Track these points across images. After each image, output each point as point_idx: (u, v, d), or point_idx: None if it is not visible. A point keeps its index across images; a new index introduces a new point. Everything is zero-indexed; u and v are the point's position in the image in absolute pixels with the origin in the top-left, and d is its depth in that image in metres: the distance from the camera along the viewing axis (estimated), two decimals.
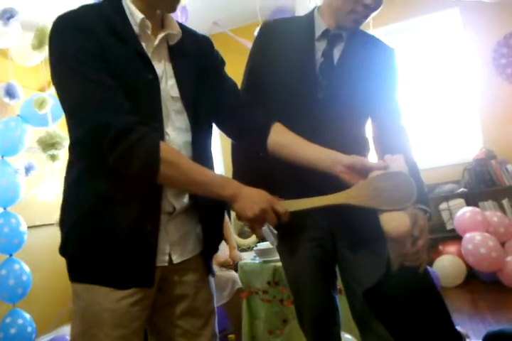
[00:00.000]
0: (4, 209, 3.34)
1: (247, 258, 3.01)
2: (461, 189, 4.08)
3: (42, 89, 4.41)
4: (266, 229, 1.15)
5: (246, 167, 1.61)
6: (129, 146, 1.06)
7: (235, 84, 1.41)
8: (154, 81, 1.15)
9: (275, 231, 1.16)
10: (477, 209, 3.82)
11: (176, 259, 1.24)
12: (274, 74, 1.52)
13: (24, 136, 3.59)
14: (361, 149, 1.56)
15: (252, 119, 1.34)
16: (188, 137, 1.22)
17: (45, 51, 2.94)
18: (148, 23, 1.16)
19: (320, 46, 1.51)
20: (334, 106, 1.47)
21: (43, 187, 4.35)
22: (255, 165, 1.55)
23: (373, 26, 3.79)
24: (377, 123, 1.57)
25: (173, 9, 1.19)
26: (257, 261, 2.67)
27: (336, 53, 1.51)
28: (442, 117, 4.40)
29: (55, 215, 4.23)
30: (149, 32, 1.17)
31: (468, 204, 4.00)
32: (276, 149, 1.32)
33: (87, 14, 1.12)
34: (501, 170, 3.92)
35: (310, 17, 1.55)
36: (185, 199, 1.23)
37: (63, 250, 1.20)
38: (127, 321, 1.15)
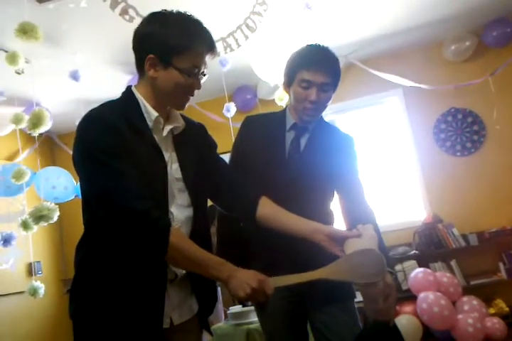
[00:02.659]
0: None
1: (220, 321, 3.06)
2: (413, 251, 4.29)
3: (9, 159, 4.49)
4: None
5: (229, 238, 1.88)
6: (144, 229, 1.22)
7: (226, 163, 1.63)
8: (164, 167, 1.36)
9: None
10: (428, 270, 4.02)
11: (176, 321, 1.38)
12: (254, 159, 1.78)
13: None
14: (328, 220, 1.79)
15: (243, 195, 1.55)
16: (189, 212, 1.41)
17: (23, 125, 3.08)
18: (161, 120, 1.38)
19: (290, 136, 1.80)
20: (300, 185, 1.73)
21: (5, 256, 4.31)
22: (236, 235, 1.81)
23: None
24: (344, 198, 1.82)
25: (183, 107, 1.42)
26: (230, 324, 2.74)
27: (303, 142, 1.79)
28: (393, 186, 4.75)
29: (16, 285, 4.19)
30: (161, 126, 1.39)
31: (420, 265, 4.19)
32: (264, 220, 1.52)
33: (110, 113, 1.30)
34: (448, 233, 4.17)
35: (283, 113, 1.86)
36: None
37: (75, 315, 1.32)
38: None
